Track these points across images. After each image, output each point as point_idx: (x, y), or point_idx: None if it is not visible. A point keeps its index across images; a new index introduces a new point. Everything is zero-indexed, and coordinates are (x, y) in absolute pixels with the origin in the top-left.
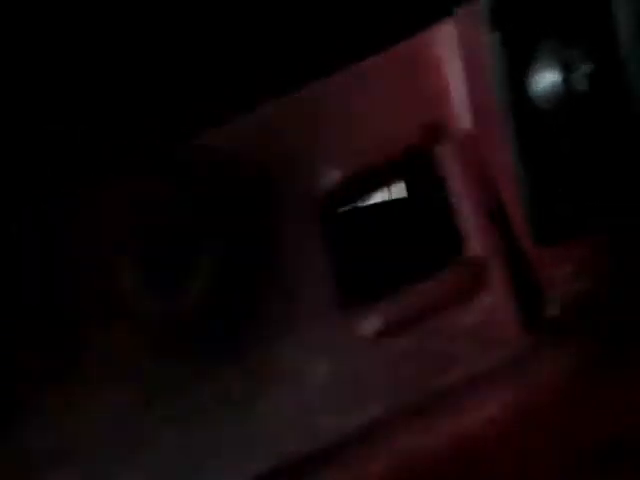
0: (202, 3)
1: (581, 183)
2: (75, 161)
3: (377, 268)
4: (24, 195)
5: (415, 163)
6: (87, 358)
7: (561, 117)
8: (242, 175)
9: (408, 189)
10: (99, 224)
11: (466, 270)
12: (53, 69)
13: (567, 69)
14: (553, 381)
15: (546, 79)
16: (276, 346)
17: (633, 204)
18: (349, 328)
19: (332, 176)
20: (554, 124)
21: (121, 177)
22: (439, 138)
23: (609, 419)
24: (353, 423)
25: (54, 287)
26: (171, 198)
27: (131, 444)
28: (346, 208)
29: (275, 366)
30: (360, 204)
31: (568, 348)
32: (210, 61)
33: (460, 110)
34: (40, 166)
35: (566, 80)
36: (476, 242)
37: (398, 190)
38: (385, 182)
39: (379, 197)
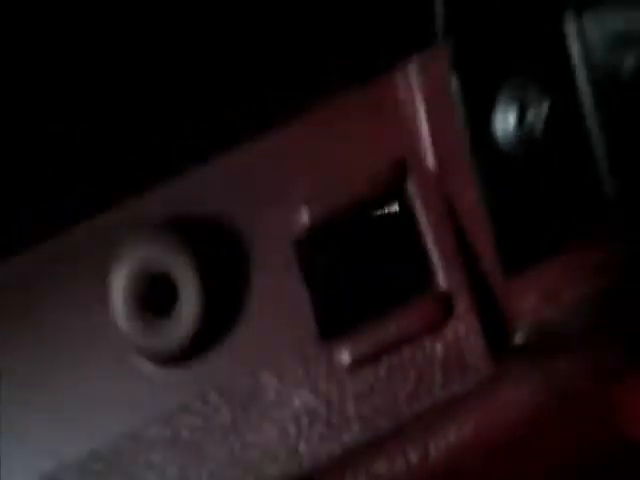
0: None
1: (541, 213)
2: (75, 161)
3: (351, 297)
4: (24, 195)
5: (385, 199)
6: None
7: (519, 156)
8: (210, 223)
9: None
10: None
11: (434, 301)
12: (53, 69)
13: (523, 110)
14: (520, 406)
15: (507, 119)
16: (260, 378)
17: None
18: (326, 359)
19: (303, 216)
20: (515, 163)
21: None
22: (407, 174)
23: (577, 439)
24: (331, 450)
25: None
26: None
27: None
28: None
29: (258, 396)
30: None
31: (534, 374)
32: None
33: (426, 146)
34: (40, 166)
35: (522, 121)
36: (444, 275)
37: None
38: (357, 218)
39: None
